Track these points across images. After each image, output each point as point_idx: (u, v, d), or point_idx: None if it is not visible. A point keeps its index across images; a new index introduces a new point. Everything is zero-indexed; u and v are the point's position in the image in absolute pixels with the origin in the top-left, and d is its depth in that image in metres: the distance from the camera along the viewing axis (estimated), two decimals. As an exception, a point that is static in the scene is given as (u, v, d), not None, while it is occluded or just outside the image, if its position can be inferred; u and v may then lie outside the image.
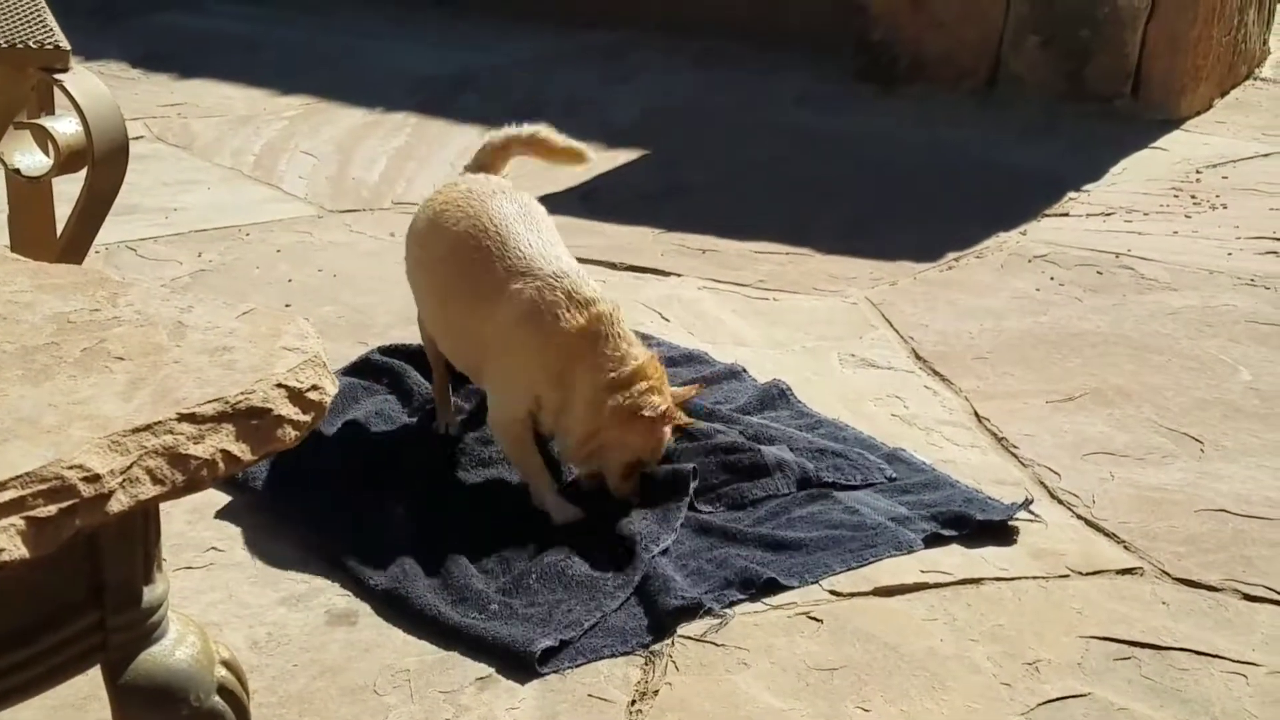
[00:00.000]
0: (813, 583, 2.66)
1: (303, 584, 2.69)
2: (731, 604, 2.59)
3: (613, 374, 2.80)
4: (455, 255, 2.96)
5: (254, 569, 2.73)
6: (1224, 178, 5.17)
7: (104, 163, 2.76)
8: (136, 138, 2.91)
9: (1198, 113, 5.93)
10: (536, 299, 2.82)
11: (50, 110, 3.02)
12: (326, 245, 4.50)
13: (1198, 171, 5.23)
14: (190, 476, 1.32)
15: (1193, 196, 4.97)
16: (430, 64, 6.68)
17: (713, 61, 6.70)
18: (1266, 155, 5.44)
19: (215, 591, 2.65)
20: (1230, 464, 3.15)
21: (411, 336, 3.69)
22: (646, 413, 2.79)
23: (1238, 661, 2.46)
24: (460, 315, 2.99)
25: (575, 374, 2.82)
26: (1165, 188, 5.06)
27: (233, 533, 2.85)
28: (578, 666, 2.45)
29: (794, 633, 2.54)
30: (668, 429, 2.91)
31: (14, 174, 2.97)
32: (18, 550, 1.18)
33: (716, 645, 2.51)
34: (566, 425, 2.88)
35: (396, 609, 2.60)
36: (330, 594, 2.66)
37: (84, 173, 2.82)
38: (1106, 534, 2.87)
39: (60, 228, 3.04)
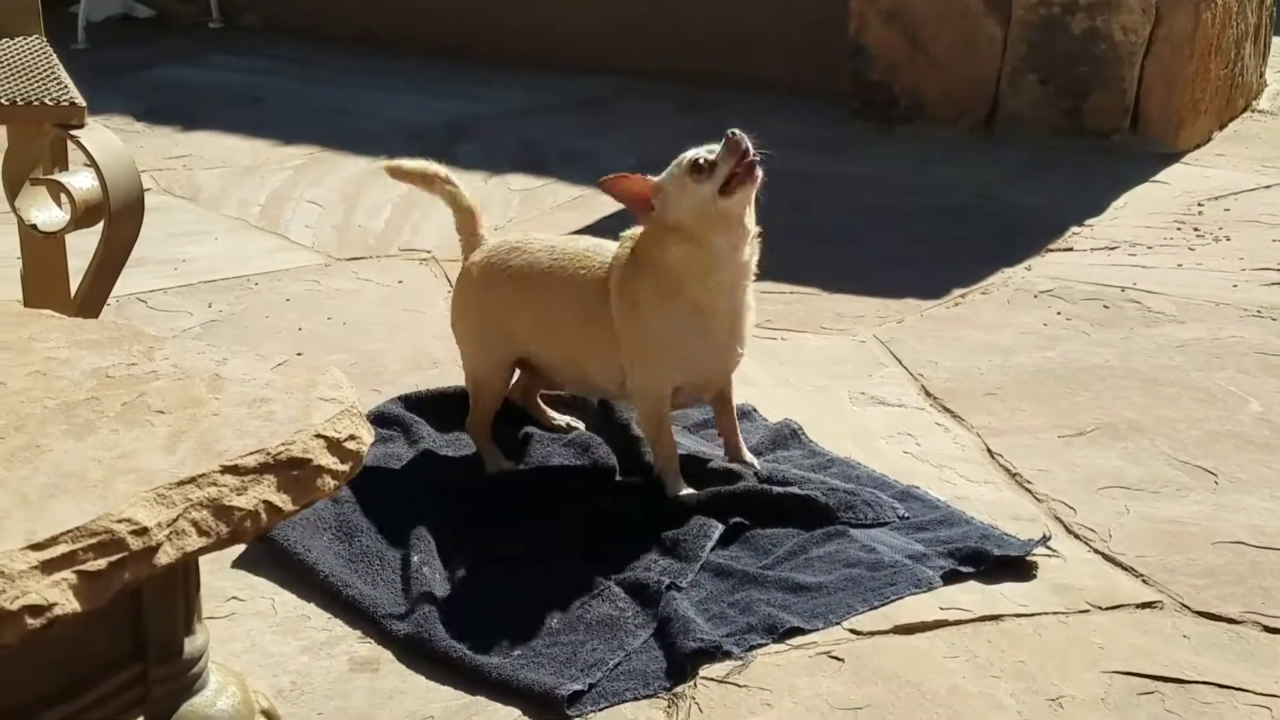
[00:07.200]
0: (836, 624, 2.66)
1: (324, 632, 2.70)
2: (752, 648, 2.60)
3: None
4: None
5: (275, 618, 2.74)
6: (1226, 210, 5.20)
7: (120, 217, 2.78)
8: (144, 190, 2.93)
9: (1197, 146, 5.97)
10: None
11: (64, 166, 3.05)
12: (334, 293, 4.52)
13: (1199, 204, 5.26)
14: (234, 528, 1.33)
15: (1195, 229, 4.99)
16: (425, 113, 6.73)
17: (701, 109, 6.74)
18: (1268, 187, 5.47)
19: (238, 641, 2.65)
20: (1245, 495, 3.16)
21: (422, 383, 3.71)
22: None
23: (1261, 694, 2.47)
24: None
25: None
26: (1168, 221, 5.09)
27: (251, 581, 2.86)
28: (600, 710, 2.45)
29: (816, 672, 2.54)
30: None
31: (30, 230, 2.99)
32: (70, 604, 1.19)
33: (739, 686, 2.51)
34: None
35: (419, 655, 2.60)
36: (351, 641, 2.67)
37: (98, 227, 2.85)
38: (1125, 568, 2.88)
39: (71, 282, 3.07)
